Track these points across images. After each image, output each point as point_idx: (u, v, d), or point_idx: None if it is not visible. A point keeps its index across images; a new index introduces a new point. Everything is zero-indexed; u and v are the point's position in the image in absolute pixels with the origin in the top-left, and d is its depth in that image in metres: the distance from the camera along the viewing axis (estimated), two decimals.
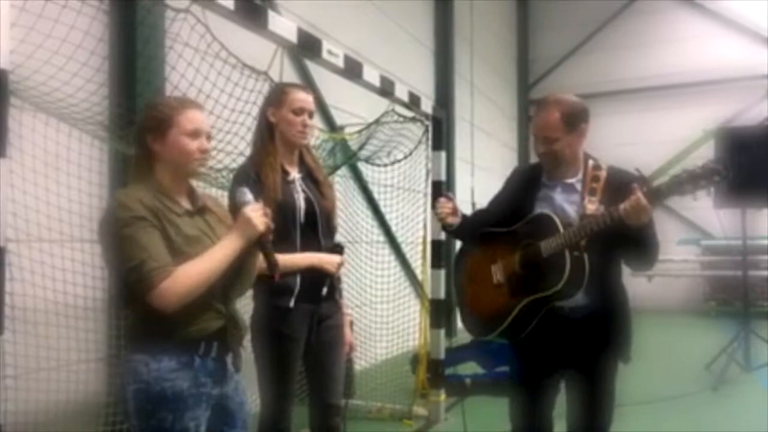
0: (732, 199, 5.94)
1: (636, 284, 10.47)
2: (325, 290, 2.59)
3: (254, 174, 2.45)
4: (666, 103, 11.47)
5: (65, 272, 3.19)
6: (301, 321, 2.53)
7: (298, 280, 2.49)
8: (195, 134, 1.87)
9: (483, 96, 10.36)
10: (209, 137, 1.94)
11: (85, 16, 2.90)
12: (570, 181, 2.46)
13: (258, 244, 1.89)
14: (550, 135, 2.39)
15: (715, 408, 4.94)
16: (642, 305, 10.55)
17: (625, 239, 2.27)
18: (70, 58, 2.83)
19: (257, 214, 1.86)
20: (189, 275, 1.76)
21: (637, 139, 11.44)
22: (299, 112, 2.54)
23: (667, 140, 10.97)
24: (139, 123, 1.91)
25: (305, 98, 2.58)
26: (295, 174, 2.59)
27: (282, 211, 2.43)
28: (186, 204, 1.92)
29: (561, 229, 2.31)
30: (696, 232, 11.12)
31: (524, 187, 2.56)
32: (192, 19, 2.86)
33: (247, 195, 1.93)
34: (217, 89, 3.28)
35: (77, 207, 3.30)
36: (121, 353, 3.37)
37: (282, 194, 2.46)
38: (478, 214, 2.80)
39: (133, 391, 1.81)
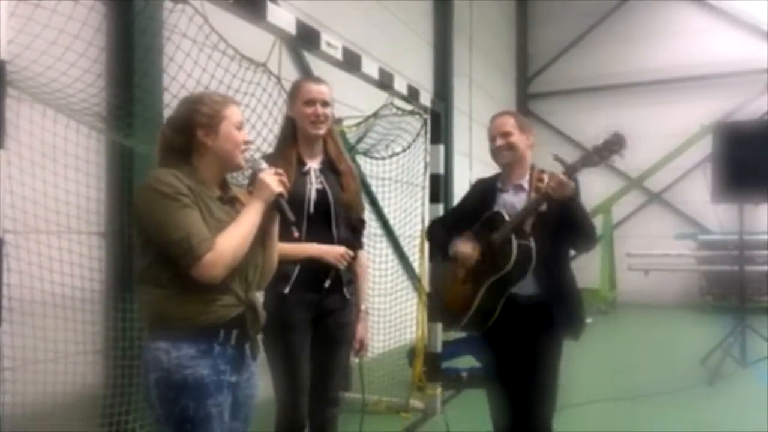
0: (729, 194, 5.95)
1: (633, 279, 10.60)
2: (328, 282, 2.59)
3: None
4: (664, 97, 11.47)
5: (63, 264, 3.19)
6: (300, 309, 2.54)
7: (297, 268, 2.51)
8: (241, 126, 1.99)
9: (481, 89, 10.35)
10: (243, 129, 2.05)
11: (83, 7, 2.89)
12: (519, 182, 2.81)
13: (275, 204, 1.97)
14: (507, 130, 2.78)
15: (710, 402, 4.96)
16: (638, 300, 10.67)
17: (564, 224, 2.59)
18: (68, 49, 2.82)
19: (271, 177, 1.95)
20: (228, 244, 1.83)
21: (635, 133, 11.32)
22: (311, 103, 2.59)
23: (665, 134, 10.96)
24: (187, 118, 1.95)
25: (314, 88, 2.62)
26: (312, 165, 2.61)
27: (290, 202, 2.45)
28: (218, 192, 1.99)
29: (507, 218, 2.67)
30: (693, 227, 11.15)
31: (485, 196, 2.87)
32: (190, 10, 2.85)
33: (262, 163, 2.02)
34: (215, 80, 3.27)
35: (75, 198, 3.29)
36: (119, 345, 3.41)
37: (294, 185, 2.48)
38: (450, 225, 3.01)
39: (155, 380, 1.85)
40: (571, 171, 2.52)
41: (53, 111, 3.01)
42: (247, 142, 1.99)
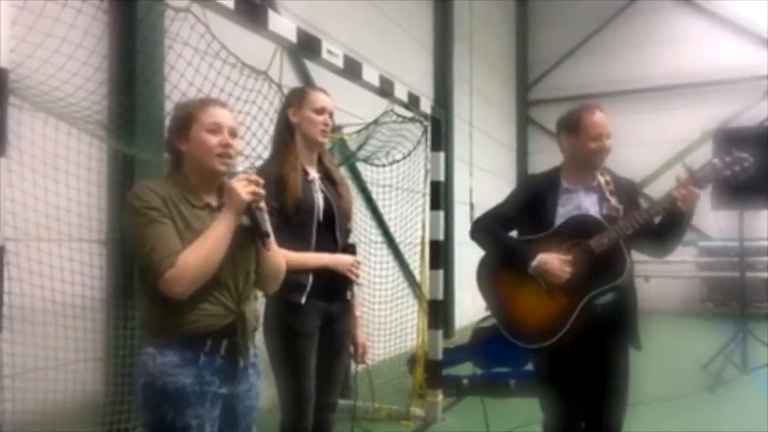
0: (729, 200, 5.94)
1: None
2: (338, 290, 2.62)
3: (276, 173, 2.47)
4: (665, 104, 11.48)
5: (63, 272, 3.19)
6: (313, 318, 2.54)
7: (311, 277, 2.50)
8: (215, 129, 1.88)
9: (482, 96, 10.36)
10: (233, 134, 1.93)
11: (85, 15, 2.90)
12: (592, 184, 2.63)
13: (247, 212, 1.86)
14: (611, 131, 2.60)
15: (711, 409, 4.95)
16: (640, 306, 10.62)
17: (663, 228, 2.51)
18: (70, 57, 2.82)
19: (241, 184, 1.84)
20: (190, 260, 1.76)
21: (635, 140, 11.46)
22: (321, 111, 2.59)
23: (665, 141, 10.98)
24: (168, 127, 1.96)
25: (326, 98, 2.63)
26: (314, 174, 2.62)
27: (302, 210, 2.48)
28: (211, 200, 1.93)
29: (607, 226, 2.47)
30: (693, 234, 11.12)
31: (543, 193, 2.66)
32: (192, 18, 2.85)
33: (236, 167, 1.89)
34: (216, 89, 3.28)
35: (76, 206, 3.29)
36: (119, 353, 3.40)
37: (302, 193, 2.50)
38: (501, 223, 2.75)
39: (140, 384, 1.85)
40: (702, 184, 2.44)
41: (55, 119, 3.02)
42: (224, 145, 1.87)
